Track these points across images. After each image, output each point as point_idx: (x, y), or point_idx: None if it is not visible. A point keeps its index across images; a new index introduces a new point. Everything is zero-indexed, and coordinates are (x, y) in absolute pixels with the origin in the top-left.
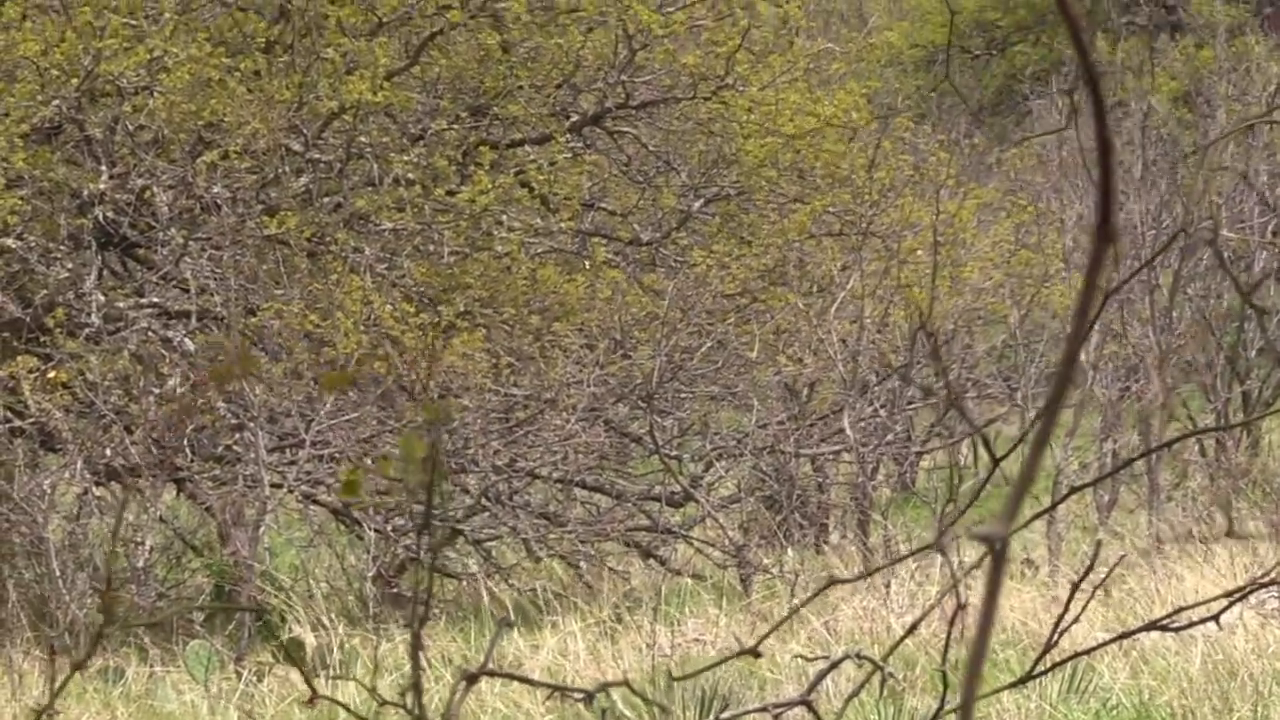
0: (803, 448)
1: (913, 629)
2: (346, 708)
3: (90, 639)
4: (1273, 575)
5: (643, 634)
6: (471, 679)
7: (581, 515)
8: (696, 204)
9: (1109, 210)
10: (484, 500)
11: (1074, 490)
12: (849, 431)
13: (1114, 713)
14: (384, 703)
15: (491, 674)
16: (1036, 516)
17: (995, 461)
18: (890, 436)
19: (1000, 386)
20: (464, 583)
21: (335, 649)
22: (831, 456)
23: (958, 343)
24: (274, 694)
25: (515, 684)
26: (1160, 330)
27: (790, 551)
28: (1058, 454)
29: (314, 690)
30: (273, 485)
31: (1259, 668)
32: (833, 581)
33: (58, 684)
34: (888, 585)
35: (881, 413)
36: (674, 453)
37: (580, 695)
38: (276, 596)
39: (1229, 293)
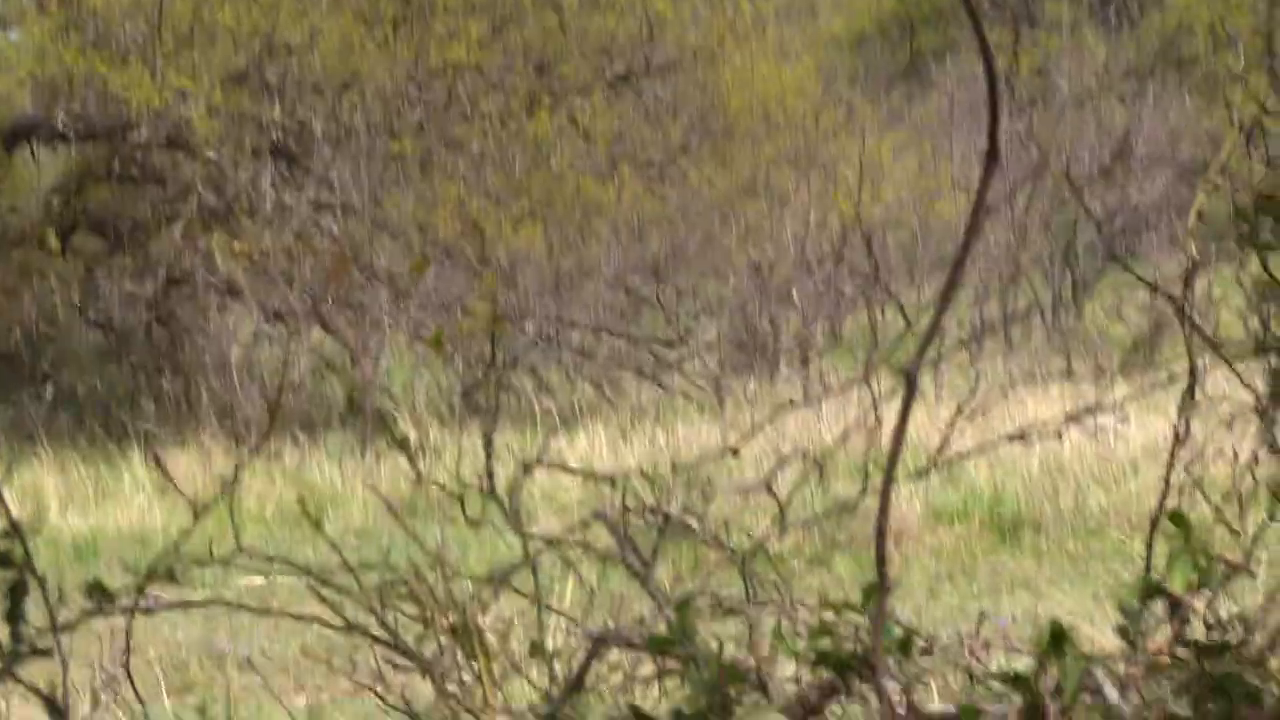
0: (763, 309)
1: (844, 438)
2: (441, 485)
3: (261, 432)
4: (1093, 404)
5: (647, 435)
6: (528, 467)
7: (607, 352)
8: (694, 139)
9: (995, 140)
10: (538, 340)
11: (962, 342)
12: (797, 298)
13: (977, 496)
14: (464, 484)
15: (542, 464)
16: (922, 349)
17: (908, 322)
18: (825, 301)
19: (904, 268)
20: (522, 398)
21: (431, 442)
22: (784, 315)
23: (876, 239)
24: (388, 472)
25: (558, 471)
26: (1018, 230)
27: (751, 380)
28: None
29: (418, 473)
30: (390, 326)
31: (1079, 468)
32: (790, 403)
33: (239, 463)
34: (821, 404)
35: (820, 285)
36: (673, 310)
37: (606, 478)
38: (391, 404)
39: (1068, 206)
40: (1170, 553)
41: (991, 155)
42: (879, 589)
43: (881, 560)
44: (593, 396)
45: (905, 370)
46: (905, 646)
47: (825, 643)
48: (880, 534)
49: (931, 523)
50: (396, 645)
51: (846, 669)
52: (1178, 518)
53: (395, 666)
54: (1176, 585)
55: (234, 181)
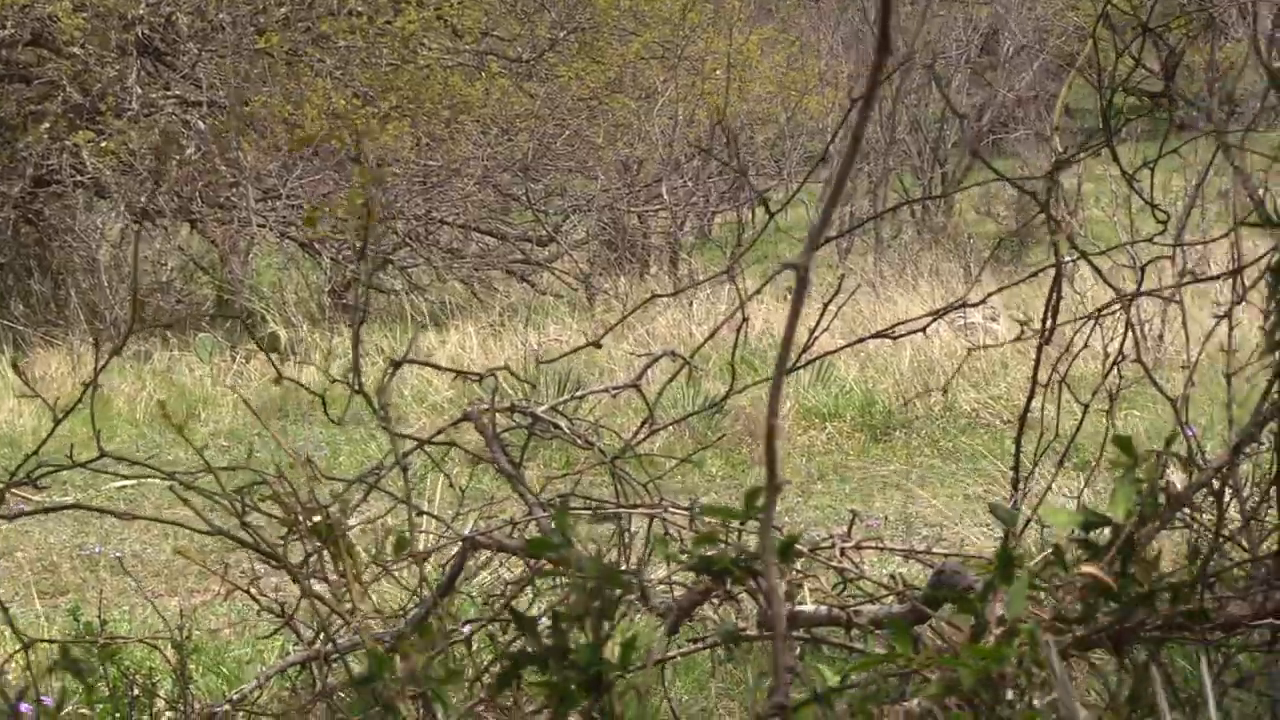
0: (632, 206)
1: (713, 334)
2: (302, 385)
3: (124, 331)
4: (960, 300)
5: (518, 335)
6: (397, 364)
7: (476, 251)
8: (562, 34)
9: (886, 32)
10: (407, 239)
11: (828, 239)
12: (665, 195)
13: (848, 396)
14: (334, 380)
15: (411, 361)
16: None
17: (771, 215)
18: (694, 199)
19: (772, 166)
20: (391, 296)
21: (301, 342)
22: (652, 213)
23: (744, 135)
24: (257, 372)
25: (428, 368)
26: (886, 128)
27: (621, 279)
28: (808, 211)
29: (280, 374)
30: (258, 225)
31: (949, 365)
32: (653, 296)
33: (101, 363)
34: (691, 303)
35: (689, 183)
36: (542, 208)
37: (475, 376)
38: (259, 304)
39: (935, 102)
40: (1116, 481)
41: (883, 48)
42: (768, 491)
43: (772, 461)
44: (462, 295)
45: (796, 266)
46: (786, 551)
47: (706, 549)
48: (770, 434)
49: (803, 422)
50: (259, 549)
51: (725, 574)
52: (1124, 443)
53: (271, 568)
54: (1119, 513)
55: (100, 79)
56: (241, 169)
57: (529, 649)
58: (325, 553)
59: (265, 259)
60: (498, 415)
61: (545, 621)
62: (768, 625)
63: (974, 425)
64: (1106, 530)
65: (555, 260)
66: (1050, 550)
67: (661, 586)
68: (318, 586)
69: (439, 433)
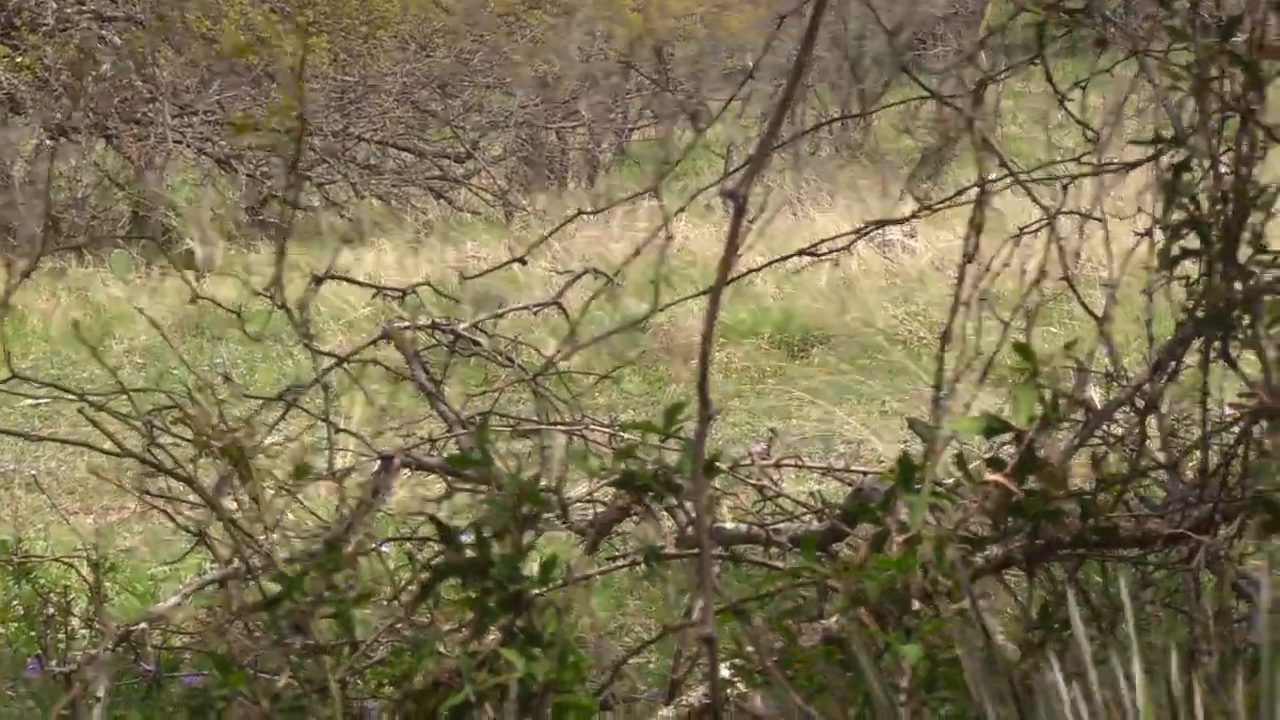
0: (550, 123)
1: (636, 253)
2: (217, 302)
3: (37, 248)
4: (884, 219)
5: (435, 252)
6: (319, 280)
7: (394, 167)
8: None
9: None
10: (324, 155)
11: (750, 160)
12: (584, 111)
13: (766, 313)
14: (256, 293)
15: (332, 277)
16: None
17: (698, 132)
18: (612, 116)
19: (691, 83)
20: (308, 213)
21: (217, 259)
22: (570, 129)
23: (663, 52)
24: (174, 289)
25: (345, 285)
26: (804, 50)
27: (539, 195)
28: (725, 130)
29: (195, 292)
30: (175, 141)
31: (867, 283)
32: (579, 212)
33: (14, 282)
34: (609, 220)
35: (608, 100)
36: (459, 125)
37: (395, 293)
38: (176, 220)
39: (855, 18)
40: (1016, 387)
41: None
42: (700, 417)
43: (704, 386)
44: (380, 212)
45: (735, 194)
46: (710, 469)
47: (627, 464)
48: (704, 356)
49: (720, 339)
50: (169, 470)
51: (645, 490)
52: (1024, 350)
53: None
54: (1021, 420)
55: None
56: (158, 85)
57: (450, 562)
58: (236, 474)
59: (181, 175)
60: (418, 332)
61: (466, 537)
62: (689, 543)
63: (892, 341)
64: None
65: (473, 177)
66: (956, 462)
67: (580, 504)
68: (232, 506)
69: (359, 350)
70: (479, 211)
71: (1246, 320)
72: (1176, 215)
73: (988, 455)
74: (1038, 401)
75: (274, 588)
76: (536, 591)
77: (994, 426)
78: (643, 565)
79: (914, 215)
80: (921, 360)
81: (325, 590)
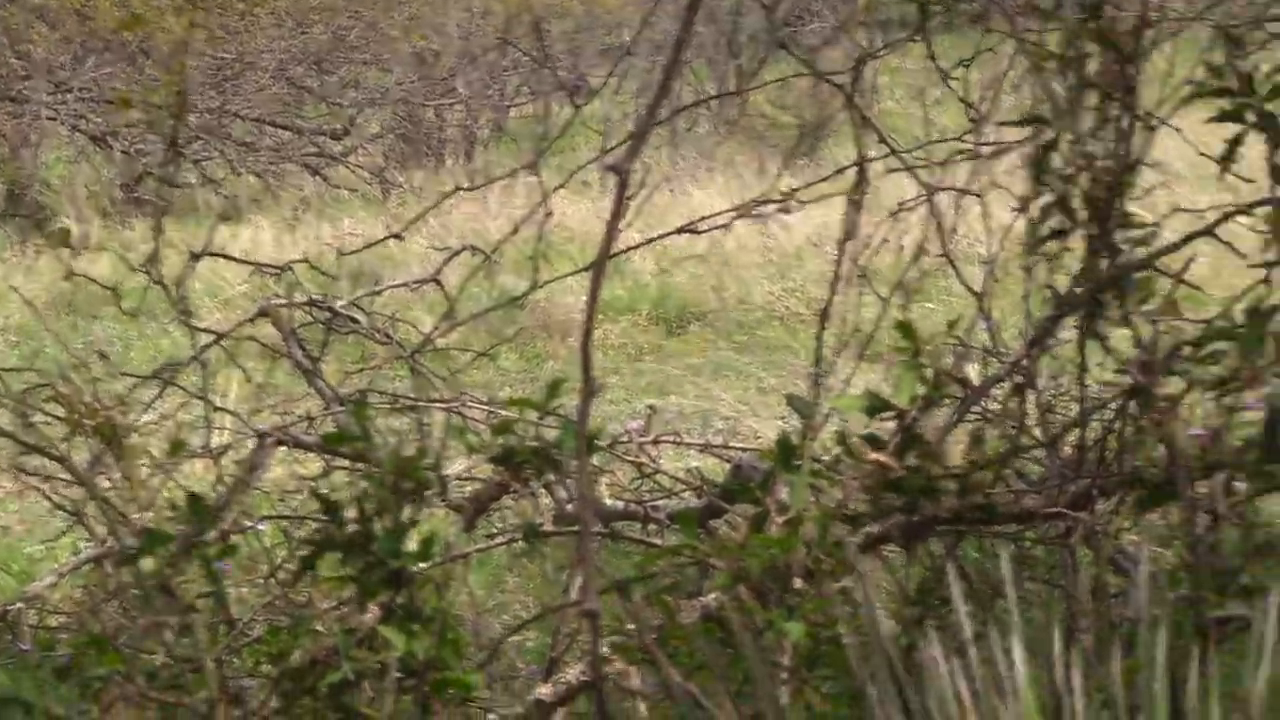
0: (427, 100)
1: (515, 230)
2: (93, 280)
3: None
4: (762, 196)
5: (312, 229)
6: (196, 256)
7: (270, 144)
8: None
9: None
10: (200, 132)
11: (632, 135)
12: (461, 88)
13: (643, 289)
14: (133, 270)
15: (211, 254)
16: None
17: (577, 109)
18: (490, 92)
19: (568, 59)
20: (184, 190)
21: (92, 236)
22: (448, 106)
23: (542, 27)
24: (49, 267)
25: (223, 261)
26: (684, 26)
27: (417, 173)
28: (603, 107)
29: (70, 269)
30: (49, 118)
31: (743, 258)
32: (456, 189)
33: None
34: (486, 197)
35: (485, 77)
36: (336, 102)
37: (273, 270)
38: (51, 197)
39: None
40: (897, 365)
41: None
42: (583, 394)
43: (587, 363)
44: (256, 189)
45: (617, 166)
46: (591, 445)
47: (506, 440)
48: (586, 332)
49: (598, 316)
50: (41, 449)
51: (525, 466)
52: (906, 329)
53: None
54: (903, 399)
55: None
56: (32, 61)
57: (332, 538)
58: (110, 452)
59: (55, 153)
60: (295, 310)
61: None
62: (568, 520)
63: (769, 318)
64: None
65: (350, 154)
66: (837, 440)
67: (457, 482)
68: (107, 484)
69: (236, 327)
70: (356, 189)
71: (1117, 298)
72: (1046, 195)
73: (866, 432)
74: (919, 380)
75: (151, 566)
76: (416, 568)
77: (875, 405)
78: (522, 542)
79: (791, 195)
80: (799, 337)
81: (191, 550)
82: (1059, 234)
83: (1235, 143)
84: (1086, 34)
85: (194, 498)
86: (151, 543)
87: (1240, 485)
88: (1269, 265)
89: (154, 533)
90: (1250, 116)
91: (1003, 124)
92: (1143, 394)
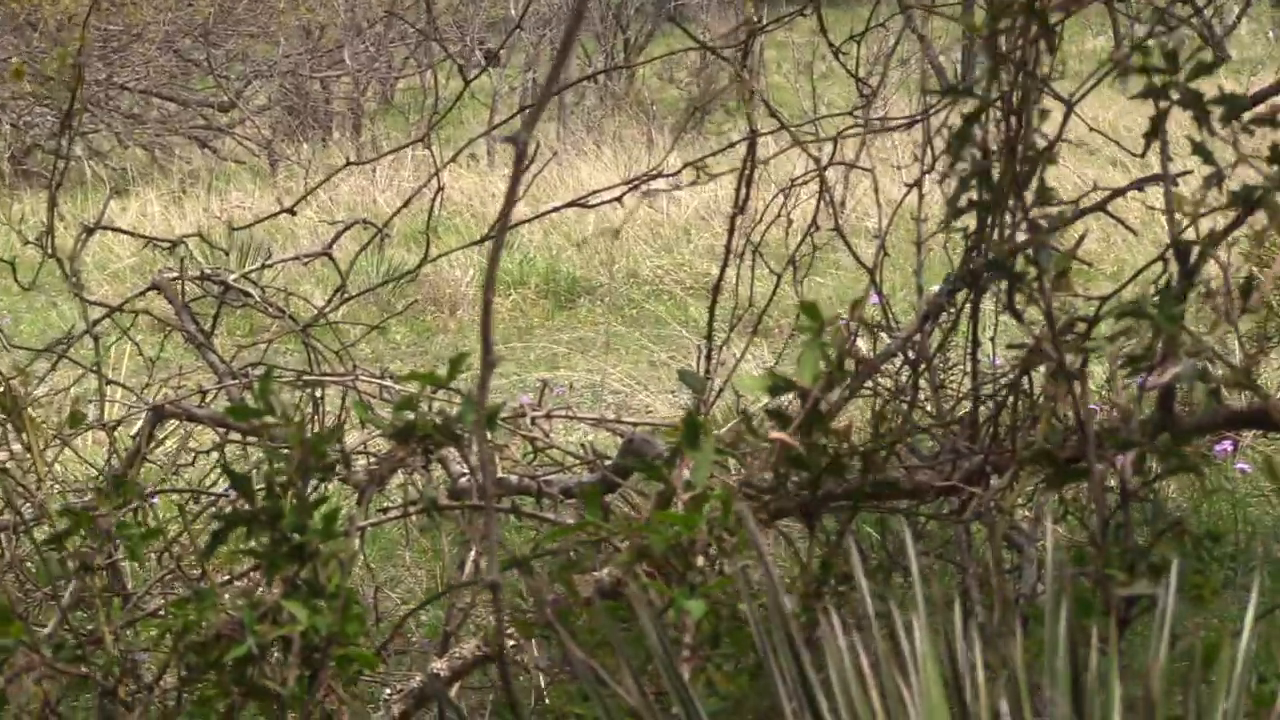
0: (314, 72)
1: (406, 203)
2: None
3: None
4: (653, 171)
5: (200, 202)
6: (90, 230)
7: (157, 116)
8: None
9: None
10: (87, 104)
11: (531, 106)
12: (348, 61)
13: (532, 263)
14: (27, 242)
15: (104, 228)
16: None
17: (467, 82)
18: (377, 65)
19: (454, 31)
20: (73, 162)
21: None
22: (335, 78)
23: None
24: None
25: (111, 234)
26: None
27: (304, 145)
28: (496, 81)
29: None
30: None
31: (630, 232)
32: (349, 163)
33: None
34: (375, 170)
35: (372, 49)
36: (223, 74)
37: (166, 243)
38: None
39: None
40: (803, 346)
41: None
42: (483, 367)
43: (486, 336)
44: (143, 162)
45: (516, 139)
46: (491, 419)
47: (408, 414)
48: (486, 304)
49: None
50: None
51: (425, 440)
52: (811, 309)
53: None
54: (806, 378)
55: None
56: None
57: (240, 513)
58: (8, 424)
59: None
60: (186, 283)
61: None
62: (461, 494)
63: (658, 292)
64: (795, 399)
65: (237, 126)
66: (740, 418)
67: (356, 455)
68: (1, 456)
69: (129, 300)
70: (243, 161)
71: (1031, 272)
72: (963, 167)
73: (769, 406)
74: (821, 359)
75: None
76: (319, 544)
77: (779, 385)
78: (418, 516)
79: (691, 167)
80: (688, 311)
81: (108, 529)
82: (977, 206)
83: (1159, 120)
84: (1015, 5)
85: (118, 478)
86: (76, 522)
87: (1149, 464)
88: (1173, 245)
89: (78, 512)
90: (1174, 94)
91: (929, 93)
92: (1053, 370)
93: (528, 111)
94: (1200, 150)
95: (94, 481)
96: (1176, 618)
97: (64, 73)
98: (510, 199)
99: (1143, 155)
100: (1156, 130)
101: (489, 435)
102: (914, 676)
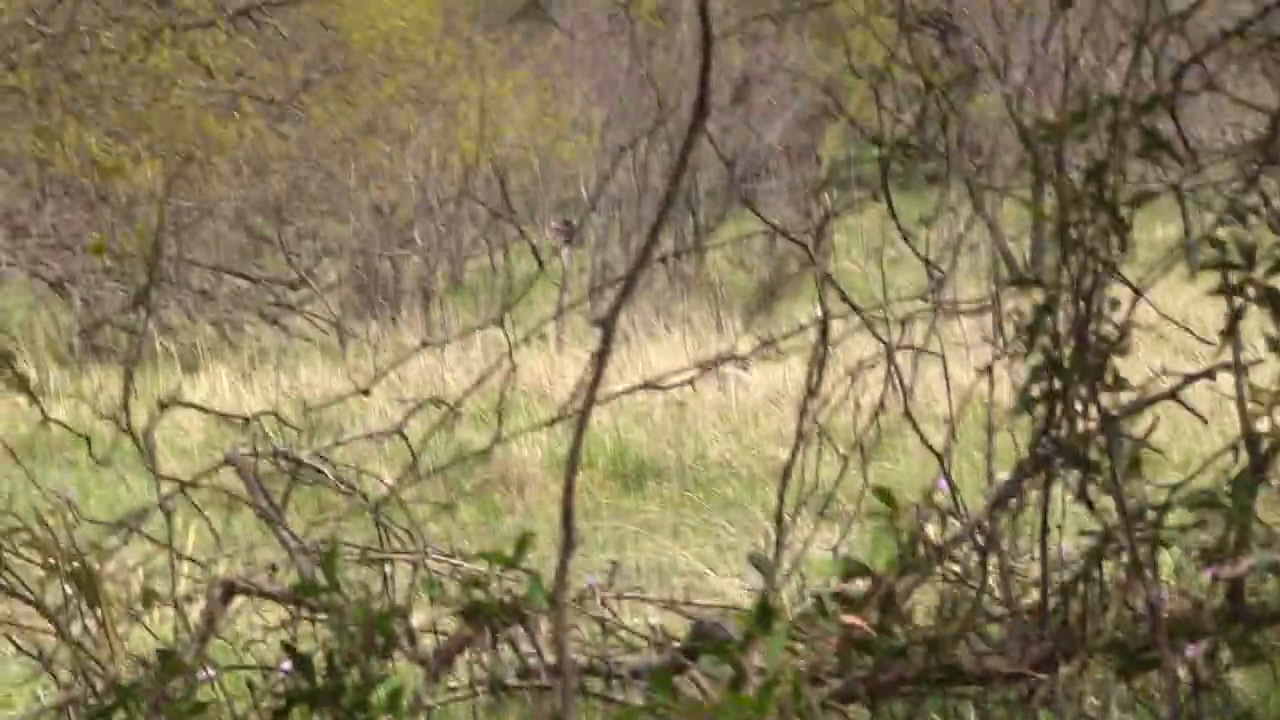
0: (384, 250)
1: (480, 382)
2: (65, 424)
3: None
4: (724, 353)
5: (270, 380)
6: (165, 405)
7: (227, 293)
8: (315, 75)
9: (706, 94)
10: (160, 281)
11: (621, 289)
12: (418, 239)
13: (599, 444)
14: (102, 416)
15: (180, 404)
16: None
17: (541, 264)
18: (447, 244)
19: (525, 211)
20: (144, 338)
21: (51, 383)
22: (405, 257)
23: (496, 182)
24: (5, 414)
25: (178, 411)
26: (639, 175)
27: (373, 323)
28: (565, 262)
29: (45, 413)
30: (8, 263)
31: (701, 416)
32: (424, 344)
33: None
34: (443, 350)
35: (442, 227)
36: (294, 251)
37: (241, 419)
38: (10, 343)
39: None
40: (875, 531)
41: (700, 111)
42: (564, 547)
43: (568, 508)
44: (213, 338)
45: (602, 321)
46: (552, 599)
47: (477, 593)
48: (569, 483)
49: (554, 470)
50: (15, 592)
51: (493, 618)
52: (885, 495)
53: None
54: (879, 563)
55: None
56: None
57: (302, 690)
58: (82, 598)
59: (14, 298)
60: (260, 460)
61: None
62: (534, 674)
63: (726, 475)
64: (862, 583)
65: (307, 304)
66: (812, 601)
67: (424, 633)
68: (75, 630)
69: (203, 474)
70: (312, 338)
71: (1105, 461)
72: (1035, 355)
73: (835, 590)
74: (895, 545)
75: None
76: None
77: (852, 569)
78: (484, 697)
79: (760, 348)
80: (756, 494)
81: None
82: (1051, 395)
83: (1236, 316)
84: (1084, 196)
85: (164, 654)
86: (122, 697)
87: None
88: (1245, 435)
89: (124, 688)
90: (1251, 291)
91: (1011, 282)
92: (1121, 559)
93: (611, 293)
94: (1277, 347)
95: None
96: None
97: (140, 249)
98: (596, 380)
99: (1220, 349)
100: (1234, 328)
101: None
102: None
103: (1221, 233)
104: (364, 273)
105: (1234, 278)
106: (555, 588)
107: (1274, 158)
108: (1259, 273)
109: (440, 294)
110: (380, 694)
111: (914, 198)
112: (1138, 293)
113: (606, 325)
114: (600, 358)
